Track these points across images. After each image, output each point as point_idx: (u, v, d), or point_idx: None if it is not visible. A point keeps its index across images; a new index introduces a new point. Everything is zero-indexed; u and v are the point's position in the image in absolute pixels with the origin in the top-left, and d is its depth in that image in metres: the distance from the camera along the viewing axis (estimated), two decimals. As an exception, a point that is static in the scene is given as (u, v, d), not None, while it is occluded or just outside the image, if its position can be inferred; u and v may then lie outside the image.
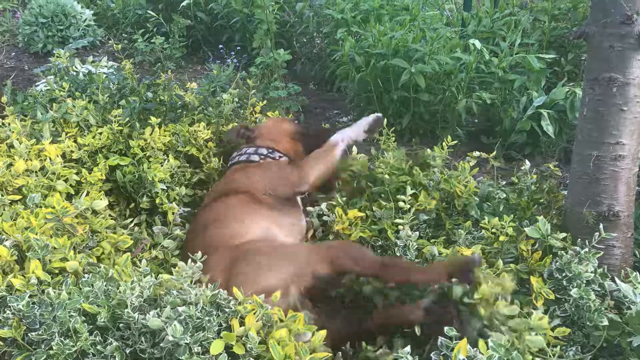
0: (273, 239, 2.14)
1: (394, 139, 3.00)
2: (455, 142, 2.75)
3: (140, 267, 1.78)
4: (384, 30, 3.66)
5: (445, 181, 2.42)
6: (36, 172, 2.32)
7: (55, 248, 1.79)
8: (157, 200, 2.42)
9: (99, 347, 1.51)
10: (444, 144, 2.66)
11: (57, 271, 1.79)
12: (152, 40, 5.06)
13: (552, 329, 1.73)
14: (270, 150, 2.59)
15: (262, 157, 2.55)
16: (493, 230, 2.07)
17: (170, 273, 1.71)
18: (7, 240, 1.83)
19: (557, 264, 1.85)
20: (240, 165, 2.53)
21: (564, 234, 2.03)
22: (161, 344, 1.47)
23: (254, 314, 1.52)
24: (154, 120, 2.66)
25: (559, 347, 1.67)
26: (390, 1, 4.36)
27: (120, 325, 1.56)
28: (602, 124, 1.99)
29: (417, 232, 2.16)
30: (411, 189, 2.34)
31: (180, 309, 1.49)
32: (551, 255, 1.94)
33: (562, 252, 1.91)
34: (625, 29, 1.89)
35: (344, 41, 3.70)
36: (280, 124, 2.81)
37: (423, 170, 2.55)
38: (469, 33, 3.99)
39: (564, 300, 1.81)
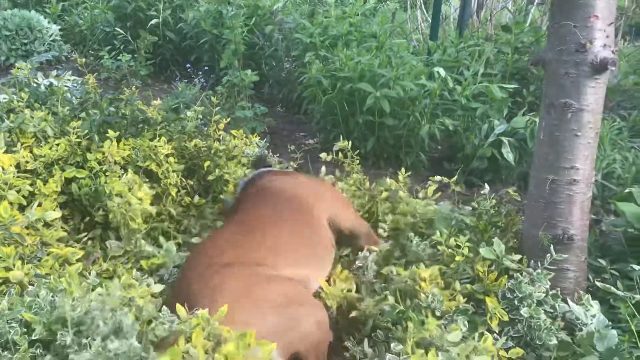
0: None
1: (358, 161, 3.01)
2: (409, 173, 2.81)
3: (88, 279, 1.72)
4: (351, 54, 3.71)
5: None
6: (-14, 181, 2.24)
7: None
8: (111, 216, 2.35)
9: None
10: (400, 177, 2.71)
11: (0, 281, 1.73)
12: (118, 57, 5.01)
13: (506, 350, 1.73)
14: None
15: None
16: (449, 250, 2.08)
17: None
18: (-51, 248, 1.75)
19: (510, 283, 1.86)
20: None
21: (519, 256, 2.05)
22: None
23: (202, 329, 1.47)
24: (112, 133, 2.61)
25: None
26: (358, 28, 4.42)
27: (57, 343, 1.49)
28: (558, 148, 2.04)
29: (374, 255, 2.20)
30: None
31: (110, 345, 1.42)
32: (506, 276, 1.95)
33: (517, 273, 1.93)
34: (579, 57, 1.94)
35: (311, 64, 3.73)
36: None
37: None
38: (434, 61, 4.06)
39: (517, 321, 1.82)
